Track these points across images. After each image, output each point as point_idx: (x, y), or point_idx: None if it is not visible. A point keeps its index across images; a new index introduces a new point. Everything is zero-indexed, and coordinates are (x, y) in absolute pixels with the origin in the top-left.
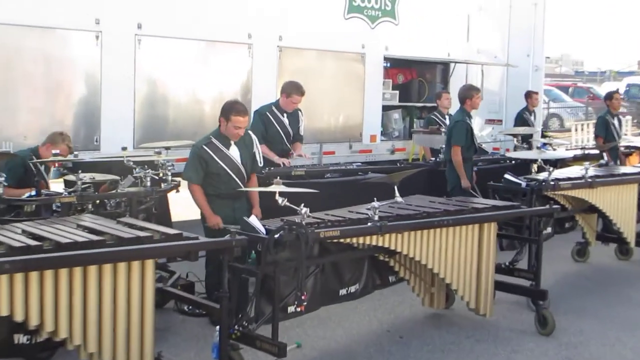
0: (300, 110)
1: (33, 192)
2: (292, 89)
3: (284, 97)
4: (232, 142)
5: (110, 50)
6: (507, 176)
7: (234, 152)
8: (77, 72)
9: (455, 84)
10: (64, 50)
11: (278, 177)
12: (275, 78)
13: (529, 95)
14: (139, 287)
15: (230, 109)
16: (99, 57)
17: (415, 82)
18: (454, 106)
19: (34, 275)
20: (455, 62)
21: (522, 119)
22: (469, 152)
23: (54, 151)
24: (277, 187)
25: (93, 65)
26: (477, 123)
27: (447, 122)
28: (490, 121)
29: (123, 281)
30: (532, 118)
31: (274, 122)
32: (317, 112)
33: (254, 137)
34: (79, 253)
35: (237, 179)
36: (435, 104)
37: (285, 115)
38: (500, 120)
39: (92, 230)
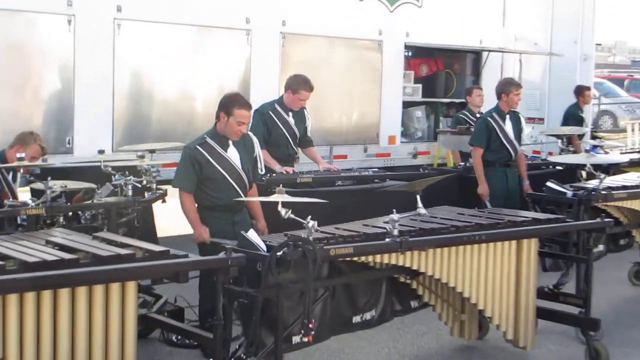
0: (305, 108)
1: None
2: (300, 85)
3: (290, 93)
4: (231, 143)
5: (85, 36)
6: (549, 184)
7: (232, 155)
8: (46, 63)
9: (489, 76)
10: (31, 37)
11: (281, 185)
12: (278, 70)
13: (580, 91)
14: (119, 313)
15: (233, 102)
16: (71, 45)
17: (441, 74)
18: (489, 104)
19: None
20: (489, 51)
21: (575, 118)
22: (496, 155)
23: (18, 155)
24: (279, 197)
25: (65, 55)
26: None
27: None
28: (530, 120)
29: (100, 306)
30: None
31: (278, 122)
32: (326, 109)
33: (254, 139)
34: (49, 274)
35: (236, 187)
36: (464, 100)
37: (290, 114)
38: (542, 119)
39: (63, 247)
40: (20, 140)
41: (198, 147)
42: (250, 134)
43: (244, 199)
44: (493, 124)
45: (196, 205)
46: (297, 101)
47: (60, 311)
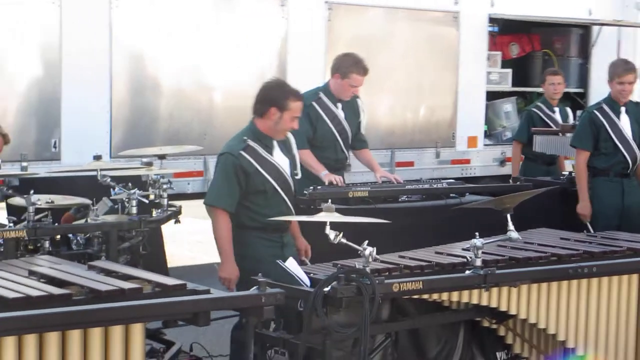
0: (359, 98)
1: None
2: (351, 67)
3: (338, 78)
4: (276, 144)
5: (74, 14)
6: None
7: (279, 159)
8: (25, 44)
9: (601, 58)
10: (9, 17)
11: (329, 201)
12: (323, 50)
13: None
14: None
15: (287, 94)
16: (57, 25)
17: (537, 55)
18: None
19: None
20: (601, 24)
21: None
22: (608, 161)
23: None
24: (327, 216)
25: (50, 36)
26: None
27: (559, 118)
28: None
29: (98, 356)
30: None
31: (324, 116)
32: (385, 102)
33: (290, 136)
34: (33, 314)
35: (287, 199)
36: (572, 90)
37: (339, 105)
38: None
39: (52, 280)
40: None
41: (242, 152)
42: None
43: (281, 218)
44: (602, 119)
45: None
46: (347, 88)
47: None
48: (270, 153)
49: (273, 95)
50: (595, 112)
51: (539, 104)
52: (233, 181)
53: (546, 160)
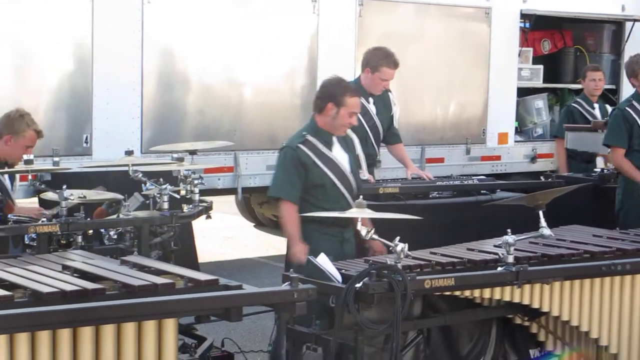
0: (390, 92)
1: None
2: (381, 60)
3: (368, 72)
4: (335, 140)
5: (106, 10)
6: None
7: (339, 155)
8: (58, 41)
9: (633, 53)
10: (37, 9)
11: (360, 197)
12: (354, 45)
13: None
14: (155, 359)
15: (343, 89)
16: (89, 21)
17: (569, 51)
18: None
19: (0, 341)
20: (634, 20)
21: None
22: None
23: (26, 157)
24: (359, 212)
25: (82, 33)
26: None
27: (598, 114)
28: None
29: (131, 350)
30: None
31: None
32: (416, 98)
33: (353, 135)
34: (67, 308)
35: (347, 195)
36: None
37: (370, 100)
38: None
39: (85, 275)
40: (9, 128)
41: (300, 146)
42: (349, 131)
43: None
44: (634, 115)
45: None
46: (378, 82)
47: (82, 355)
48: (330, 149)
49: (331, 91)
50: (627, 109)
51: (578, 99)
52: (293, 173)
53: (586, 158)
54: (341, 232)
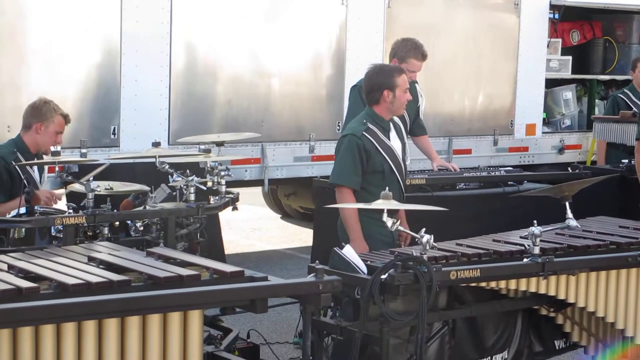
0: (417, 83)
1: (22, 210)
2: (409, 51)
3: (396, 62)
4: (392, 127)
5: (135, 1)
6: None
7: (394, 142)
8: (86, 32)
9: None
10: (70, 4)
11: (387, 189)
12: (382, 37)
13: None
14: (180, 350)
15: (391, 72)
16: (118, 12)
17: (598, 42)
18: None
19: (26, 333)
20: None
21: None
22: None
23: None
24: (385, 204)
25: (110, 23)
26: None
27: None
28: None
29: (156, 342)
30: None
31: None
32: (444, 90)
33: (401, 124)
34: (93, 300)
35: (400, 181)
36: (629, 77)
37: None
38: None
39: (110, 266)
40: (38, 116)
41: (365, 133)
42: (396, 118)
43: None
44: None
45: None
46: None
47: (107, 346)
48: (387, 136)
49: (380, 80)
50: None
51: (626, 90)
52: (357, 160)
53: (628, 149)
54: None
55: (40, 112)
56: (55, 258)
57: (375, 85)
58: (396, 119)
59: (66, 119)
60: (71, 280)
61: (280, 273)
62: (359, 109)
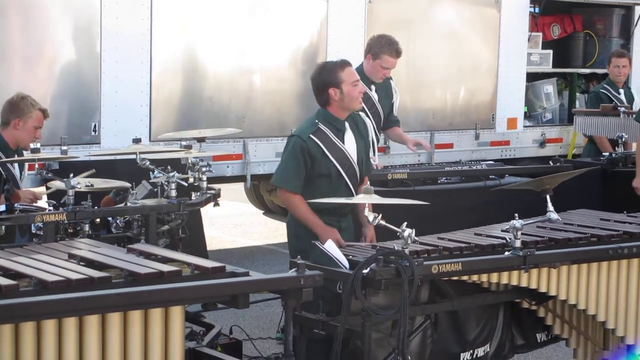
0: (392, 80)
1: (2, 207)
2: (383, 47)
3: (370, 59)
4: (348, 127)
5: None
6: None
7: (349, 143)
8: (64, 25)
9: None
10: (50, 0)
11: (368, 183)
12: (363, 32)
13: None
14: (161, 346)
15: (333, 69)
16: (98, 7)
17: (579, 36)
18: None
19: (5, 330)
20: None
21: None
22: None
23: (33, 145)
24: (366, 198)
25: (90, 20)
26: None
27: (624, 98)
28: None
29: (137, 338)
30: None
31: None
32: (426, 84)
33: (367, 120)
34: (73, 297)
35: (350, 185)
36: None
37: (373, 87)
38: None
39: (91, 263)
40: (16, 111)
41: (312, 136)
42: (362, 113)
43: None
44: None
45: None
46: (378, 70)
47: (88, 343)
48: (342, 137)
49: (324, 80)
50: None
51: (605, 85)
52: (300, 164)
53: (612, 142)
54: (338, 221)
55: (18, 108)
56: (35, 255)
57: (320, 85)
58: (364, 116)
59: (44, 113)
60: (51, 278)
61: (262, 268)
62: None
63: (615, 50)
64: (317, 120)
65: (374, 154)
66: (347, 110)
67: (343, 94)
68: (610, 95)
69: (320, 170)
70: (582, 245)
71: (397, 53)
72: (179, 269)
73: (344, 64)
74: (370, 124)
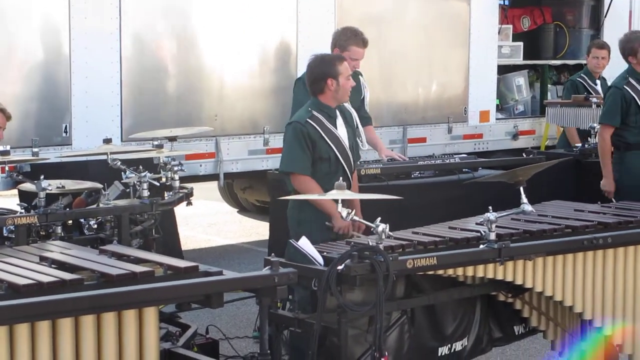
0: (361, 74)
1: None
2: (349, 39)
3: (337, 52)
4: (338, 115)
5: None
6: None
7: (341, 129)
8: (36, 30)
9: (613, 30)
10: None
11: (341, 179)
12: (333, 28)
13: None
14: (136, 348)
15: (332, 61)
16: (66, 8)
17: (549, 27)
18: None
19: None
20: None
21: None
22: (637, 133)
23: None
24: (339, 194)
25: (59, 20)
26: None
27: (600, 89)
28: None
29: (111, 340)
30: None
31: None
32: (397, 79)
33: (352, 110)
34: (45, 300)
35: (347, 168)
36: (584, 62)
37: None
38: None
39: (63, 265)
40: None
41: (309, 120)
42: (347, 104)
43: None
44: (632, 93)
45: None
46: (348, 62)
47: (62, 347)
48: (334, 124)
49: (322, 70)
50: (626, 87)
51: (582, 74)
52: (304, 146)
53: (581, 133)
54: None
55: None
56: (6, 259)
57: (319, 75)
58: (348, 105)
59: (4, 113)
60: (22, 281)
61: (238, 267)
62: (305, 100)
63: (595, 40)
64: (310, 108)
65: (363, 146)
66: (338, 102)
67: (339, 85)
68: (586, 85)
69: (320, 154)
70: (557, 236)
71: (364, 42)
72: (151, 270)
73: (342, 58)
74: (355, 113)
